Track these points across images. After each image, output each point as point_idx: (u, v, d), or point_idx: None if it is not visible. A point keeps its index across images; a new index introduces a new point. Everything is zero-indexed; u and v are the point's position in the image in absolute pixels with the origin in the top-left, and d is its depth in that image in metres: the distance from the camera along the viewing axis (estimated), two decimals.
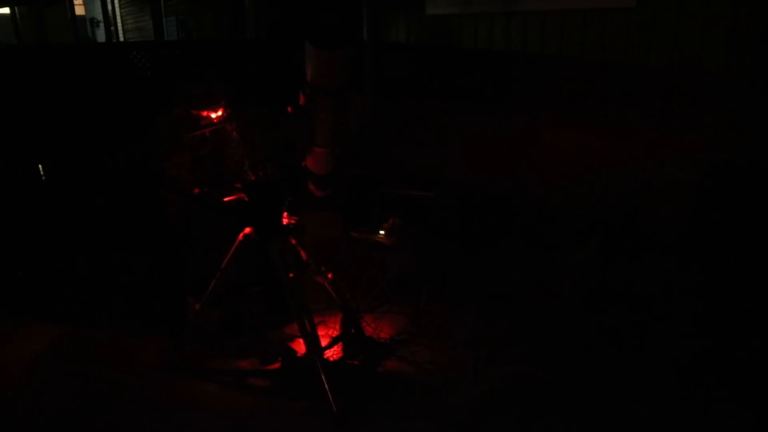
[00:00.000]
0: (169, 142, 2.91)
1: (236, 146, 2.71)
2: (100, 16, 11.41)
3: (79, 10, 11.64)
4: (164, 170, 2.95)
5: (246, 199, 2.65)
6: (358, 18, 4.78)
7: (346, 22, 4.68)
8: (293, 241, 2.77)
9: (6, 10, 8.95)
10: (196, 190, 2.85)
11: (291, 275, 2.62)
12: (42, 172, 3.66)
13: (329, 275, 3.05)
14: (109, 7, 11.18)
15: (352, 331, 3.09)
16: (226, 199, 2.68)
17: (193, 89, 2.80)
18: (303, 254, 2.88)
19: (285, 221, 2.74)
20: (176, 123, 2.79)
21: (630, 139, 3.37)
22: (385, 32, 4.86)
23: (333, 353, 2.93)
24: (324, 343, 2.92)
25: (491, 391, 2.69)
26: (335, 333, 3.12)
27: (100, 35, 12.08)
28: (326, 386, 2.48)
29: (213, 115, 2.67)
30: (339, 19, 2.38)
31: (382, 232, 3.42)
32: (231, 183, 2.73)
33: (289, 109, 2.41)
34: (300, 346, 2.92)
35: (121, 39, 11.42)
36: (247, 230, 2.67)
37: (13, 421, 2.53)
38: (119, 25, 11.70)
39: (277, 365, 2.91)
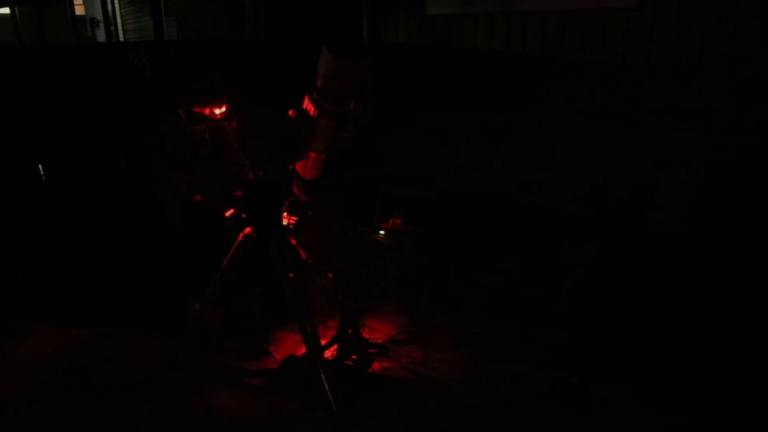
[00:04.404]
0: (169, 142, 2.90)
1: (236, 148, 2.71)
2: (100, 16, 11.39)
3: (79, 10, 11.62)
4: (165, 173, 2.95)
5: (244, 216, 2.66)
6: (359, 18, 4.78)
7: (356, 27, 4.69)
8: (293, 241, 2.77)
9: (6, 10, 8.94)
10: (198, 198, 2.86)
11: (291, 275, 2.63)
12: (42, 173, 3.65)
13: (329, 275, 3.06)
14: (109, 7, 11.17)
15: (352, 331, 3.09)
16: (227, 214, 2.69)
17: (197, 84, 2.78)
18: (303, 254, 2.89)
19: (285, 221, 2.74)
20: (177, 122, 2.79)
21: (630, 139, 3.38)
22: (384, 32, 4.86)
23: (333, 353, 2.93)
24: (324, 342, 2.92)
25: (491, 391, 2.69)
26: (335, 333, 3.12)
27: (100, 35, 12.06)
28: (326, 386, 2.48)
29: (217, 111, 2.65)
30: (352, 25, 2.38)
31: (382, 232, 3.42)
32: (231, 190, 2.73)
33: (290, 112, 2.41)
34: (300, 346, 2.92)
35: (121, 39, 11.40)
36: (247, 230, 2.67)
37: (16, 421, 2.53)
38: (119, 25, 11.69)
39: (276, 365, 2.91)
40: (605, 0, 3.37)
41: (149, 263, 3.47)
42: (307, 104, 2.38)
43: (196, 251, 3.36)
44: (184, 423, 2.51)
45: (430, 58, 4.51)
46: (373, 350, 2.99)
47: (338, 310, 3.18)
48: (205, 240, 3.34)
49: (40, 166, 3.64)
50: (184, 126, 2.75)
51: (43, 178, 3.66)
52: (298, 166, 2.64)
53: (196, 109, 2.69)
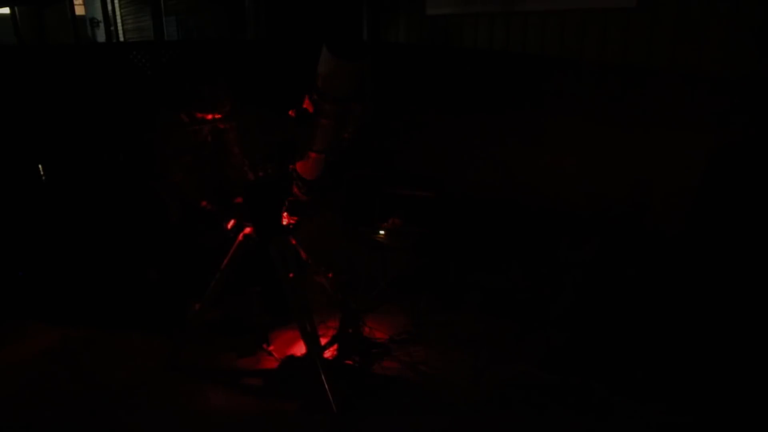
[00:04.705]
0: (171, 143, 2.91)
1: (237, 152, 2.72)
2: (100, 16, 11.39)
3: (79, 10, 11.62)
4: (166, 174, 2.95)
5: (246, 225, 2.66)
6: (359, 18, 4.78)
7: (356, 26, 4.69)
8: (293, 241, 2.77)
9: (6, 10, 8.95)
10: (204, 203, 2.88)
11: (291, 275, 2.63)
12: (42, 173, 3.65)
13: (329, 275, 3.06)
14: (109, 7, 11.17)
15: (352, 331, 3.09)
16: (228, 226, 2.71)
17: (201, 90, 2.79)
18: (303, 254, 2.89)
19: (285, 221, 2.74)
20: (179, 125, 2.79)
21: (630, 139, 3.37)
22: (384, 32, 4.86)
23: (333, 353, 2.93)
24: (323, 342, 2.92)
25: (491, 391, 2.69)
26: (335, 333, 3.12)
27: (100, 35, 12.06)
28: (326, 386, 2.48)
29: (219, 117, 2.68)
30: (352, 25, 2.39)
31: (382, 232, 3.42)
32: (231, 193, 2.74)
33: (291, 112, 2.42)
34: (300, 346, 2.92)
35: (121, 39, 11.40)
36: (247, 230, 2.67)
37: (16, 421, 2.53)
38: (119, 25, 11.69)
39: (276, 365, 2.91)
40: (605, 0, 3.37)
41: (149, 264, 3.47)
42: (307, 104, 2.38)
43: (196, 252, 3.36)
44: (184, 423, 2.51)
45: (430, 58, 4.51)
46: (374, 350, 2.99)
47: (338, 310, 3.18)
48: (205, 242, 3.34)
49: (40, 166, 3.64)
50: (186, 126, 2.76)
51: (43, 178, 3.66)
52: (298, 166, 2.64)
53: (199, 115, 2.71)
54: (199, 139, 2.78)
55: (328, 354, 2.90)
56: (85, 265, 3.51)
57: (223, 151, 2.75)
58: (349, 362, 2.89)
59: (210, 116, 2.68)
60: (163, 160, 3.00)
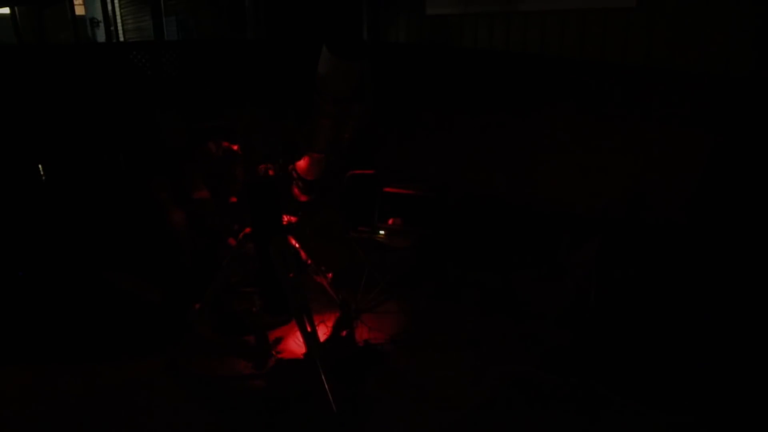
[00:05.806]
0: (199, 163, 2.99)
1: (241, 172, 2.76)
2: (100, 16, 11.41)
3: (79, 10, 11.64)
4: (189, 191, 3.03)
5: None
6: (359, 18, 4.79)
7: (356, 26, 4.71)
8: (293, 241, 2.77)
9: (6, 10, 8.95)
10: (232, 242, 3.01)
11: (291, 275, 2.63)
12: (42, 173, 3.65)
13: (329, 275, 3.06)
14: (109, 7, 11.19)
15: (352, 330, 3.10)
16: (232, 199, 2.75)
17: (239, 118, 2.86)
18: (303, 254, 2.89)
19: (285, 221, 2.75)
20: (209, 157, 2.88)
21: (630, 139, 3.38)
22: (384, 32, 4.86)
23: (333, 353, 2.93)
24: (323, 342, 2.92)
25: (492, 392, 2.69)
26: (335, 333, 3.12)
27: (100, 35, 12.07)
28: (326, 386, 2.48)
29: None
30: (352, 25, 2.40)
31: (382, 232, 3.42)
32: (239, 219, 2.79)
33: (291, 112, 2.43)
34: (299, 346, 2.92)
35: (121, 39, 11.41)
36: (247, 230, 2.67)
37: (15, 422, 2.53)
38: (119, 25, 11.71)
39: (275, 365, 2.91)
40: (605, 0, 3.37)
41: (152, 282, 3.43)
42: (308, 104, 2.39)
43: (196, 256, 3.36)
44: (183, 424, 2.51)
45: (430, 58, 4.52)
46: (374, 350, 2.99)
47: (338, 309, 3.19)
48: (205, 244, 3.34)
49: (40, 166, 3.64)
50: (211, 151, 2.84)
51: (43, 178, 3.66)
52: (299, 166, 2.64)
53: (225, 144, 2.76)
54: (215, 158, 2.86)
55: (328, 354, 2.89)
56: (85, 267, 3.48)
57: (232, 173, 2.80)
58: (350, 362, 2.89)
59: (236, 147, 2.74)
60: (190, 177, 3.09)
